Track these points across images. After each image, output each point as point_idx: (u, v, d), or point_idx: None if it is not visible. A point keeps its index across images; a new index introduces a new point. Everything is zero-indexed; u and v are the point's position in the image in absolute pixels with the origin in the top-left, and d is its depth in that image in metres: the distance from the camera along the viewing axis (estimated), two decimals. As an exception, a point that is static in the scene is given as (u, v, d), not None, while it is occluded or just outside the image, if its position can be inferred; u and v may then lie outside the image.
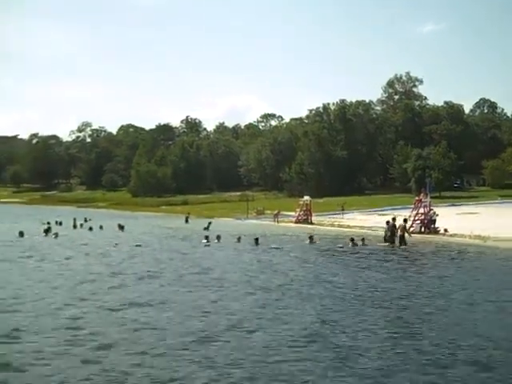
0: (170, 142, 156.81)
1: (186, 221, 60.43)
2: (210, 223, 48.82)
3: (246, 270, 23.61)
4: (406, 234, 35.02)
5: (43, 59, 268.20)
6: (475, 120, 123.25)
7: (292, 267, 24.94)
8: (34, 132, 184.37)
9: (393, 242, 34.20)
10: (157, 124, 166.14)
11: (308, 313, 14.86)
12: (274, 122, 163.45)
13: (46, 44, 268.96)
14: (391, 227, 35.17)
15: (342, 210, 65.32)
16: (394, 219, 35.79)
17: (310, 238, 36.34)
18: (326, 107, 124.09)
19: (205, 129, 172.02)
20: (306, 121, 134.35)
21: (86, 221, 52.71)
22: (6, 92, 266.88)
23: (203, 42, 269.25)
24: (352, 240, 34.18)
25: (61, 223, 49.24)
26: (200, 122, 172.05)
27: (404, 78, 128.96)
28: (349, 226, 50.03)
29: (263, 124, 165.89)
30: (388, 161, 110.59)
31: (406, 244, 33.81)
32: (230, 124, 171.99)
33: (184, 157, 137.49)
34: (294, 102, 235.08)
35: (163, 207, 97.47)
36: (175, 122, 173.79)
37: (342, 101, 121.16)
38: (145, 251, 30.39)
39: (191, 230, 46.51)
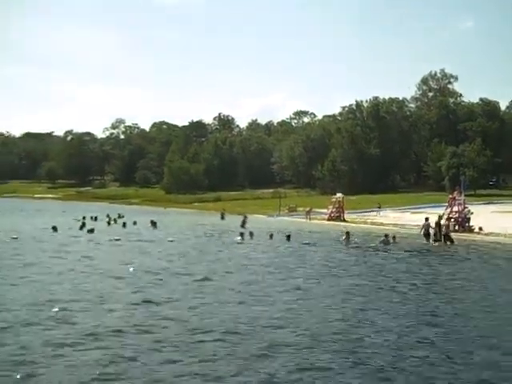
0: (203, 139, 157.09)
1: (222, 217, 60.35)
2: (245, 217, 48.78)
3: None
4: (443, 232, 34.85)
5: (78, 59, 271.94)
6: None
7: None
8: (68, 129, 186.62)
9: (439, 240, 33.98)
10: (190, 121, 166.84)
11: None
12: (306, 119, 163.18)
13: (82, 45, 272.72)
14: (435, 225, 34.85)
15: (379, 207, 64.92)
16: (440, 217, 35.70)
17: (347, 233, 36.23)
18: (358, 104, 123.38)
19: (237, 126, 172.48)
20: (339, 118, 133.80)
21: (119, 217, 52.95)
22: (41, 90, 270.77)
23: (236, 40, 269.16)
24: (386, 236, 34.00)
25: (95, 219, 49.62)
26: (233, 118, 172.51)
27: (439, 74, 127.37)
28: (382, 224, 49.73)
29: (296, 121, 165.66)
30: (422, 158, 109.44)
31: (452, 242, 33.64)
32: (262, 121, 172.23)
33: (217, 154, 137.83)
34: (327, 100, 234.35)
35: (196, 204, 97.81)
36: (208, 118, 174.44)
37: (375, 98, 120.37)
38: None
39: (227, 227, 46.49)
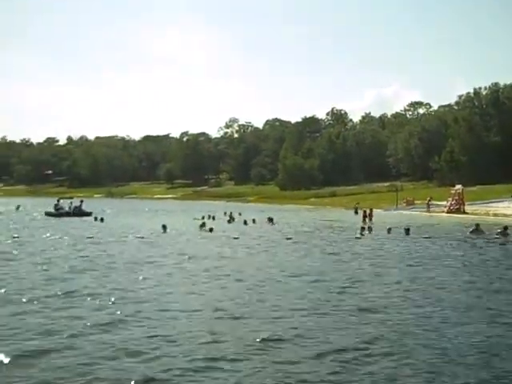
0: (317, 135, 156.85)
1: (356, 212, 58.91)
2: (371, 210, 47.91)
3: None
4: None
5: (192, 60, 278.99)
6: None
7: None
8: (184, 130, 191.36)
9: None
10: (302, 117, 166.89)
11: None
12: (421, 110, 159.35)
13: (196, 44, 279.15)
14: None
15: None
16: None
17: (477, 225, 35.16)
18: (476, 92, 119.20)
19: (350, 120, 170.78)
20: (456, 107, 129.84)
21: (231, 215, 53.63)
22: (158, 93, 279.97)
23: (349, 34, 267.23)
24: (505, 228, 32.75)
25: (213, 218, 50.29)
26: (346, 113, 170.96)
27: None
28: (505, 215, 47.93)
29: (410, 112, 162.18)
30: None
31: None
32: (376, 114, 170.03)
33: (331, 148, 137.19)
34: (443, 89, 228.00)
35: (312, 199, 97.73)
36: (321, 114, 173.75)
37: (495, 84, 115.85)
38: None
39: (351, 222, 45.63)
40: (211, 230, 37.64)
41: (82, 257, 24.38)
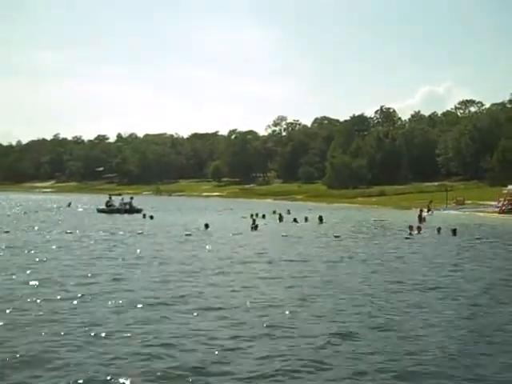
0: (365, 133, 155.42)
1: (429, 210, 57.94)
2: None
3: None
4: None
5: (244, 58, 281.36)
6: None
7: None
8: (232, 128, 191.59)
9: None
10: (351, 115, 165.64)
11: None
12: (473, 109, 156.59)
13: (247, 43, 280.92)
14: None
15: None
16: None
17: None
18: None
19: (399, 118, 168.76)
20: (509, 105, 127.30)
21: (274, 212, 53.64)
22: (206, 90, 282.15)
23: (398, 30, 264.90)
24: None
25: (264, 216, 50.39)
26: (394, 111, 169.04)
27: None
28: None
29: (461, 111, 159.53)
30: None
31: None
32: (426, 112, 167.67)
33: (379, 147, 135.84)
34: (496, 87, 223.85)
35: (359, 199, 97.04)
36: (369, 112, 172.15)
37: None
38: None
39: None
40: (256, 227, 38.16)
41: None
